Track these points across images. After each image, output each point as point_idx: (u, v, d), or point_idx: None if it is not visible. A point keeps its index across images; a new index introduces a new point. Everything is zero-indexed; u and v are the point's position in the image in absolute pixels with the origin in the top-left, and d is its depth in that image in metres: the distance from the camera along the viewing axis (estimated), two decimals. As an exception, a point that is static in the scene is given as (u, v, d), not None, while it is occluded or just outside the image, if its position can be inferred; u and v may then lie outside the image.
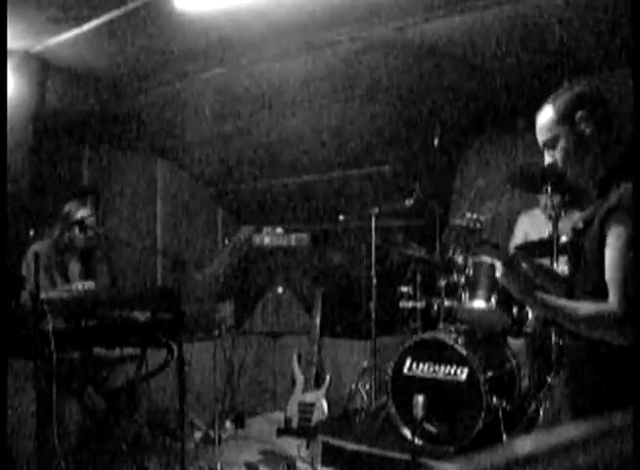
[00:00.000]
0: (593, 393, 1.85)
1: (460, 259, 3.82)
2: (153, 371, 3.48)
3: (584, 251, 1.89)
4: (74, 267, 3.82)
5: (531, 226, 4.21)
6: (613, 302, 1.76)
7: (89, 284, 3.61)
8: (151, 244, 5.58)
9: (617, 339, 1.78)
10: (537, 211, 4.21)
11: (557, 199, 3.72)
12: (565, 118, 1.89)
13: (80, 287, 3.52)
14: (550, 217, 3.87)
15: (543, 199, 4.04)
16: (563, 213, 3.68)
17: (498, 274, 1.99)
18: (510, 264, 1.94)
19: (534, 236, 4.01)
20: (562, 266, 3.44)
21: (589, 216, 1.89)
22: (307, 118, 4.85)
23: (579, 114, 1.87)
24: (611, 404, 1.43)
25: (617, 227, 1.77)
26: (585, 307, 1.83)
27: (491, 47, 3.79)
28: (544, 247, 3.45)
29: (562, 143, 1.90)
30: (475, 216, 1.95)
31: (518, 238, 4.26)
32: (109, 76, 4.45)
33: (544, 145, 1.96)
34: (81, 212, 3.78)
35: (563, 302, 1.88)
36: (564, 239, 3.32)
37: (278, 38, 3.85)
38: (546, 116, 1.93)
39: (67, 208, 3.79)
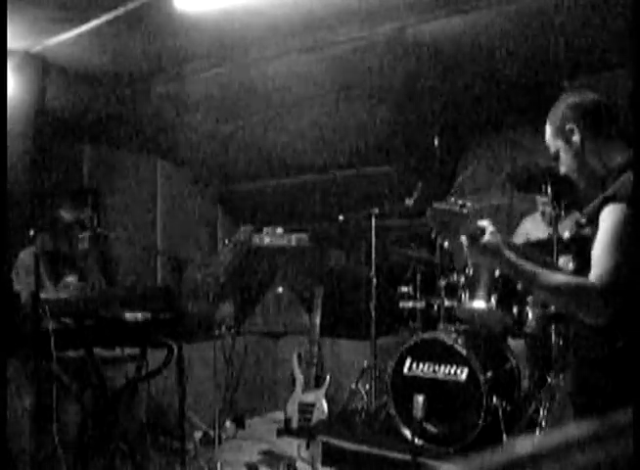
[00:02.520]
0: (599, 392, 1.85)
1: (445, 243, 3.85)
2: (153, 371, 3.48)
3: (588, 245, 1.89)
4: (68, 270, 3.80)
5: (532, 229, 4.23)
6: (591, 276, 1.75)
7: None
8: (151, 244, 5.58)
9: (589, 316, 1.77)
10: (538, 215, 4.25)
11: (557, 199, 3.73)
12: (558, 133, 2.00)
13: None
14: (549, 222, 3.94)
15: (541, 203, 4.10)
16: (563, 214, 3.69)
17: (465, 249, 1.93)
18: (475, 237, 1.90)
19: (534, 238, 4.03)
20: (563, 266, 3.45)
21: (592, 211, 1.91)
22: (307, 118, 4.85)
23: (568, 126, 1.97)
24: (617, 404, 1.43)
25: (608, 210, 1.80)
26: (560, 277, 1.82)
27: (492, 47, 3.79)
28: (544, 247, 3.46)
29: (562, 156, 2.01)
30: (460, 201, 1.93)
31: (519, 240, 4.27)
32: (109, 76, 4.45)
33: (554, 158, 2.07)
34: (78, 214, 3.76)
35: (538, 268, 1.85)
36: (567, 235, 3.34)
37: (278, 38, 3.85)
38: (547, 133, 2.05)
39: (61, 210, 3.77)
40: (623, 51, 3.57)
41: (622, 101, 2.26)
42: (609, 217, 1.79)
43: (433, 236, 3.92)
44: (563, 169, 2.05)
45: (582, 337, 1.92)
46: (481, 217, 1.92)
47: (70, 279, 3.77)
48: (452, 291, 3.88)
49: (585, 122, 1.96)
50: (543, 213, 4.14)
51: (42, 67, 4.12)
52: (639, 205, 1.75)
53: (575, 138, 1.96)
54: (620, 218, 1.77)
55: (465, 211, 1.90)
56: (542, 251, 3.42)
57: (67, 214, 3.73)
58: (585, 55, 3.84)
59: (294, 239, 5.37)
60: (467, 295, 3.71)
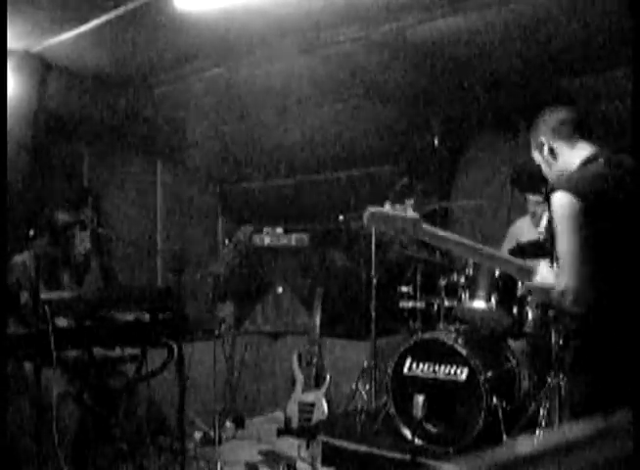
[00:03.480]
0: (599, 393, 1.85)
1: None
2: (153, 371, 3.48)
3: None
4: (66, 272, 3.78)
5: (523, 231, 4.23)
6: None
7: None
8: (151, 244, 5.58)
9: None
10: (528, 217, 4.25)
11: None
12: (536, 147, 2.34)
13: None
14: (536, 224, 3.97)
15: (532, 204, 4.11)
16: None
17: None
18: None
19: (522, 239, 4.04)
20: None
21: None
22: (307, 118, 4.85)
23: (540, 140, 2.30)
24: (616, 405, 1.43)
25: (552, 200, 2.08)
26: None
27: (491, 47, 3.79)
28: (537, 249, 3.48)
29: (542, 167, 2.36)
30: (399, 205, 2.07)
31: (509, 242, 4.28)
32: (109, 76, 4.45)
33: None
34: (78, 215, 3.75)
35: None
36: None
37: (278, 38, 3.85)
38: (532, 148, 2.38)
39: (61, 211, 3.76)
40: (623, 51, 3.57)
41: (622, 101, 2.32)
42: (553, 206, 2.06)
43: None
44: (548, 179, 2.35)
45: (581, 337, 1.93)
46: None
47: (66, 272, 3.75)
48: (452, 291, 3.88)
49: (553, 134, 2.28)
50: (534, 215, 4.13)
51: (42, 67, 4.12)
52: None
53: (546, 148, 2.28)
54: (559, 204, 2.03)
55: (407, 215, 1.99)
56: (535, 253, 3.45)
57: (66, 215, 3.72)
58: (585, 55, 3.84)
59: (294, 239, 5.37)
60: (467, 295, 3.71)
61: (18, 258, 3.57)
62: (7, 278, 3.50)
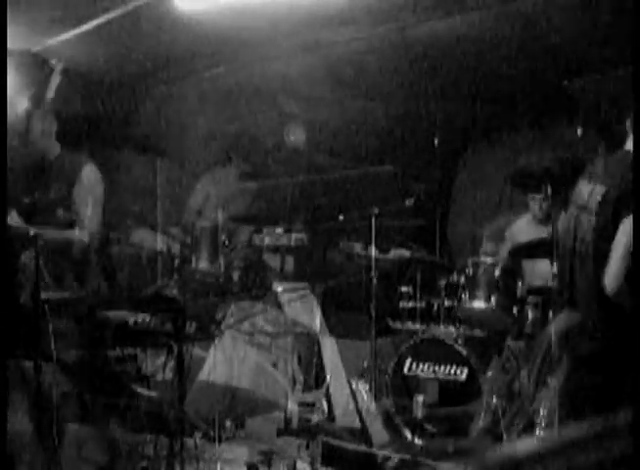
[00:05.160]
0: (593, 393, 1.86)
1: None
2: (153, 371, 3.48)
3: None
4: (69, 270, 3.78)
5: (521, 231, 4.23)
6: None
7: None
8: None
9: None
10: (528, 217, 4.25)
11: (555, 199, 3.75)
12: None
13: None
14: (540, 221, 3.97)
15: (533, 204, 4.11)
16: (564, 213, 3.70)
17: None
18: None
19: (522, 240, 4.03)
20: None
21: None
22: (307, 118, 4.85)
23: None
24: (611, 405, 1.44)
25: None
26: None
27: (491, 47, 3.79)
28: (536, 248, 3.49)
29: None
30: None
31: (509, 242, 4.28)
32: (109, 76, 4.45)
33: None
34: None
35: None
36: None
37: (278, 38, 3.85)
38: None
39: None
40: (623, 51, 3.57)
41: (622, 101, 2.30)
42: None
43: None
44: None
45: (577, 338, 1.93)
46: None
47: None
48: (452, 291, 3.88)
49: None
50: (534, 215, 4.14)
51: (42, 67, 4.12)
52: None
53: None
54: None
55: None
56: (534, 254, 3.46)
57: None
58: (585, 55, 3.84)
59: (293, 239, 5.36)
60: (467, 295, 3.72)
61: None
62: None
